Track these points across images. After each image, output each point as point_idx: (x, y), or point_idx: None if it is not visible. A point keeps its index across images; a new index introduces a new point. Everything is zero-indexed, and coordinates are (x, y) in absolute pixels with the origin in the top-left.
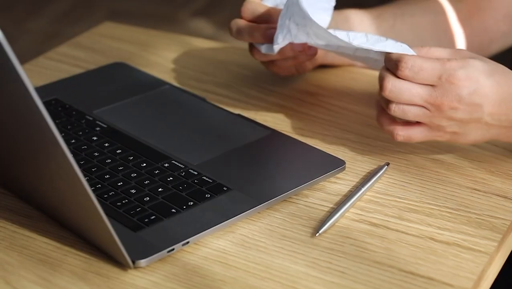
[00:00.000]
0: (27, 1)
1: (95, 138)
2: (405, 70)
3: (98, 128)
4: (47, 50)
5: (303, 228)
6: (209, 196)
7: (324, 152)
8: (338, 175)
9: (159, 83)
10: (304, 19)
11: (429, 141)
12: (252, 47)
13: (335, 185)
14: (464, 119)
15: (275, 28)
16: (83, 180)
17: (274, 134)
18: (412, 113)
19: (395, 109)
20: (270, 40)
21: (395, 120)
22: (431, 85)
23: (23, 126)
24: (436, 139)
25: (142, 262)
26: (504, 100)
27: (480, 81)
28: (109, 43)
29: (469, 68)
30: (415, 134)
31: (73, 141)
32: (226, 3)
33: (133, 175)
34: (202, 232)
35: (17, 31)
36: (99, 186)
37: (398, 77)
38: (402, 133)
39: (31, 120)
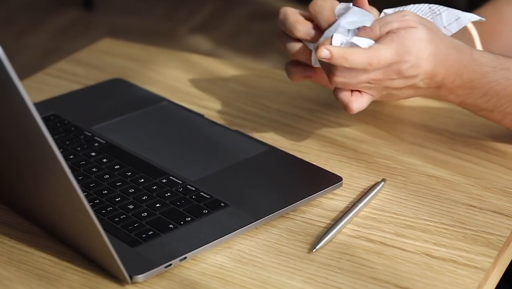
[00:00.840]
0: (27, 16)
1: (93, 154)
2: (375, 66)
3: (96, 144)
4: (46, 66)
5: (300, 244)
6: (206, 211)
7: (321, 168)
8: (335, 191)
9: (158, 99)
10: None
11: (425, 158)
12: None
13: (332, 201)
14: (400, 86)
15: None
16: (82, 195)
17: (271, 150)
18: (358, 87)
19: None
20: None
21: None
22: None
23: (22, 141)
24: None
25: (140, 277)
26: (435, 68)
27: (419, 54)
28: (108, 59)
29: (411, 41)
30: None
31: (71, 157)
32: (224, 19)
33: (131, 190)
34: (199, 247)
35: (16, 47)
36: (97, 201)
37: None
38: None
39: (30, 135)
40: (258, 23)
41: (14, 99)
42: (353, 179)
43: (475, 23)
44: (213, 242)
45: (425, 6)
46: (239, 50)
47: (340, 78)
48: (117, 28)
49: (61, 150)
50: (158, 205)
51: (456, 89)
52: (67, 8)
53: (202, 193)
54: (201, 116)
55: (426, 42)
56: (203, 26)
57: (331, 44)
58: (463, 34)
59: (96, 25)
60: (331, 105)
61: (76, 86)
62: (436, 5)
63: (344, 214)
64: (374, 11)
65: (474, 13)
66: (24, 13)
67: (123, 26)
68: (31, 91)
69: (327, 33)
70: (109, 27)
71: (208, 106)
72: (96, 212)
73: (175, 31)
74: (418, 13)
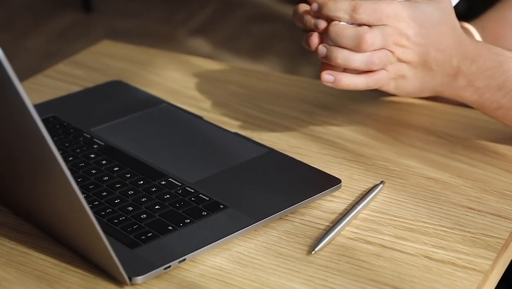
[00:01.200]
0: (27, 19)
1: (92, 156)
2: (361, 14)
3: (95, 146)
4: (46, 68)
5: (299, 246)
6: (205, 213)
7: (320, 170)
8: (334, 193)
9: (157, 101)
10: None
11: (424, 160)
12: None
13: (331, 203)
14: (413, 61)
15: None
16: (81, 197)
17: (270, 152)
18: (382, 59)
19: (374, 61)
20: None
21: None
22: (383, 25)
23: (22, 143)
24: (381, 86)
25: (139, 279)
26: (448, 48)
27: (424, 25)
28: (107, 61)
29: (415, 10)
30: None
31: (71, 158)
32: (224, 22)
33: (130, 192)
34: (198, 249)
35: (16, 49)
36: (97, 203)
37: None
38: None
39: (30, 137)
40: (257, 25)
41: (14, 101)
42: (352, 181)
43: (478, 28)
44: (212, 244)
45: None
46: (239, 53)
47: (369, 39)
48: (116, 30)
49: (61, 151)
50: (157, 206)
51: (474, 79)
52: (67, 10)
53: (201, 195)
54: (200, 118)
55: (432, 17)
56: (202, 29)
57: None
58: None
59: (95, 27)
60: (330, 108)
61: (75, 88)
62: None
63: (343, 216)
64: None
65: (478, 18)
66: (23, 15)
67: (122, 28)
68: (31, 93)
69: None
70: (108, 29)
71: (207, 109)
72: (95, 213)
73: (174, 34)
74: None
